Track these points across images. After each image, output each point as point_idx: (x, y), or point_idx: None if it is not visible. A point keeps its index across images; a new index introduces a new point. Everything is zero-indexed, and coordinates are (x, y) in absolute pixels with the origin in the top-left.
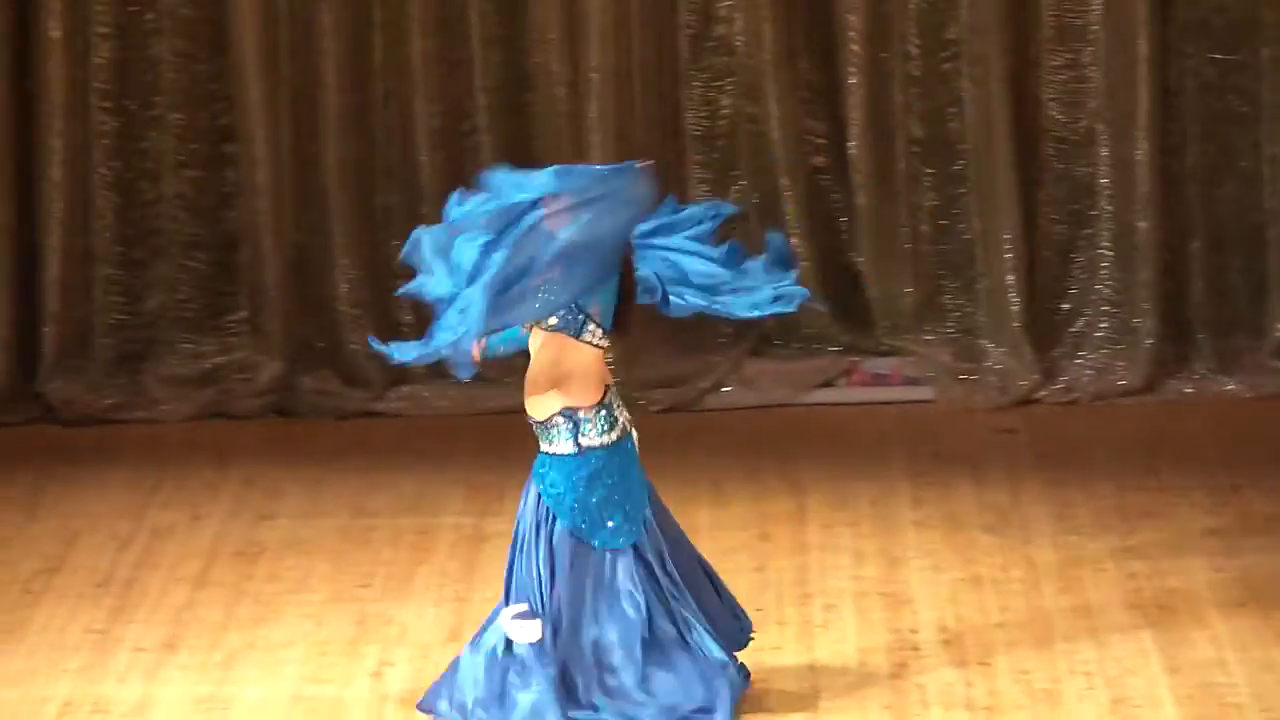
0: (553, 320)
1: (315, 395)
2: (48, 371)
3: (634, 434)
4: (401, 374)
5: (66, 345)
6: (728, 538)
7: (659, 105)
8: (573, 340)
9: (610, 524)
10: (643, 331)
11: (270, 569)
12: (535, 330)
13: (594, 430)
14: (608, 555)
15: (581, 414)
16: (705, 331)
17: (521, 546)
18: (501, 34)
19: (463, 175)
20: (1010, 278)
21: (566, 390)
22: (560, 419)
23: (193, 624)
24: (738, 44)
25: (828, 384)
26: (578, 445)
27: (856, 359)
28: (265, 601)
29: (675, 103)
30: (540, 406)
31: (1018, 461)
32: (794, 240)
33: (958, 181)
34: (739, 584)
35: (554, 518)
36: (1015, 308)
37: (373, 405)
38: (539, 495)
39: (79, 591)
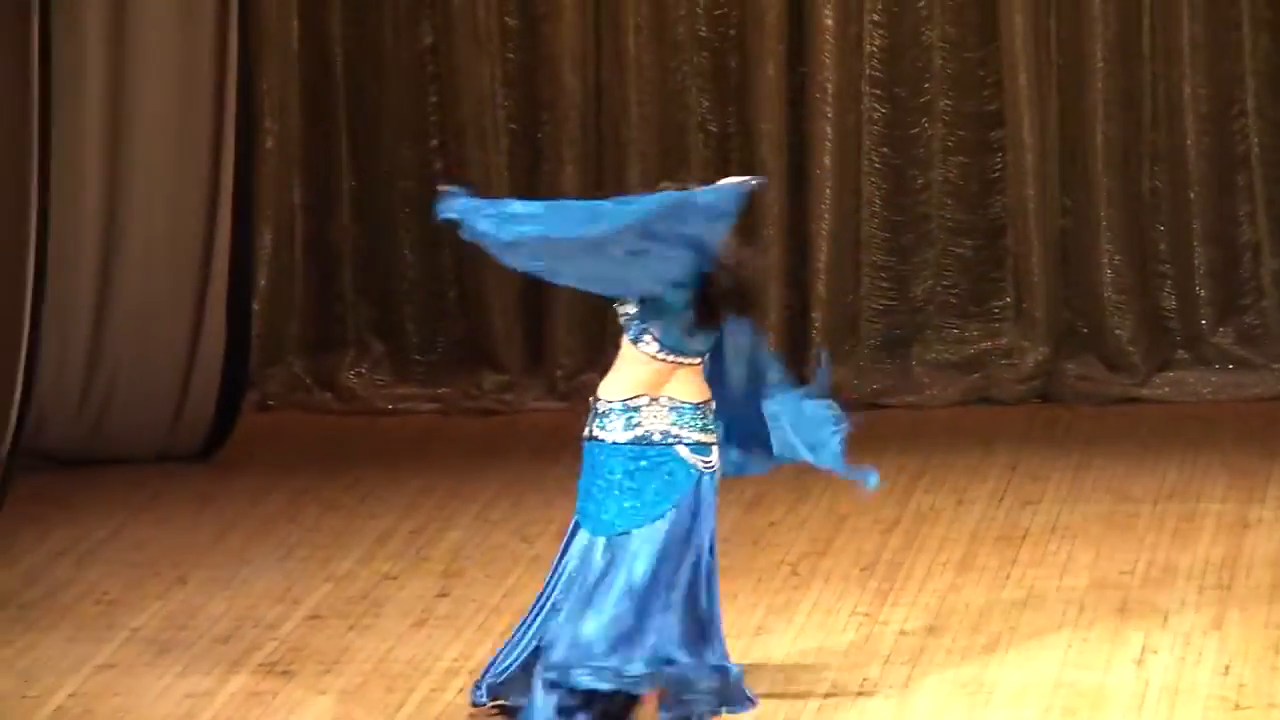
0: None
1: (1079, 381)
2: (817, 356)
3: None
4: (1165, 360)
5: (835, 330)
6: None
7: None
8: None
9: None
10: None
11: (1033, 554)
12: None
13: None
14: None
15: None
16: None
17: None
18: (1272, 17)
19: (1231, 158)
20: None
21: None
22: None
23: (957, 608)
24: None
25: None
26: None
27: None
28: (1028, 586)
29: None
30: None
31: None
32: None
33: None
34: None
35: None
36: None
37: (1136, 391)
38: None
39: (845, 574)
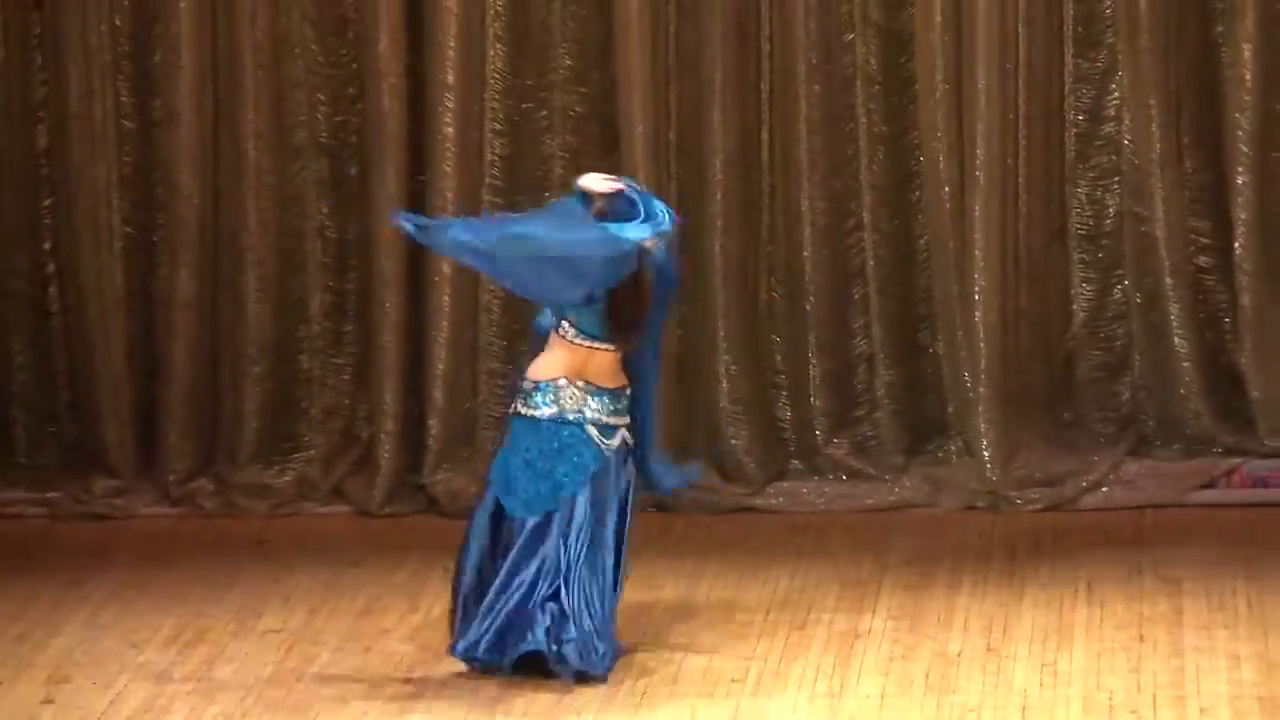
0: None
1: (693, 491)
2: (433, 464)
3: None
4: (780, 471)
5: (452, 438)
6: (1104, 638)
7: (1044, 204)
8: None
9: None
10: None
11: (647, 662)
12: None
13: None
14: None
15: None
16: (1085, 431)
17: None
18: (888, 132)
19: (846, 271)
20: None
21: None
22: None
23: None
24: (1126, 143)
25: (1208, 486)
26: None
27: (1239, 460)
28: (640, 693)
29: (1061, 200)
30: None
31: None
32: (1178, 339)
33: None
34: (1115, 684)
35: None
36: None
37: (750, 501)
38: None
39: (458, 682)
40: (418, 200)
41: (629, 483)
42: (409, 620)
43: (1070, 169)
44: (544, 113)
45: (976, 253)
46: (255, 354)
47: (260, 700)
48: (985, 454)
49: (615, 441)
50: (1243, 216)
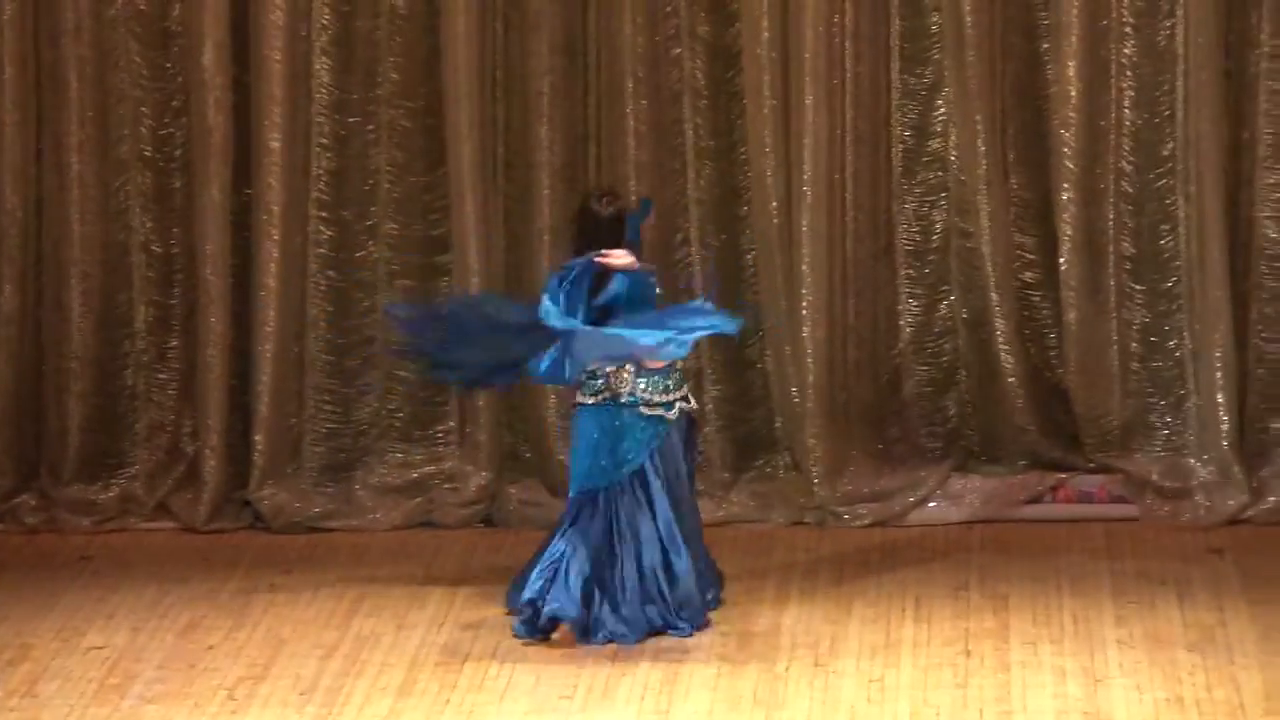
0: None
1: (522, 505)
2: (258, 479)
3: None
4: None
5: (278, 453)
6: (931, 654)
7: (871, 220)
8: None
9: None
10: (849, 446)
11: (473, 678)
12: None
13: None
14: None
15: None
16: (912, 447)
17: None
18: (714, 146)
19: (674, 287)
20: (1220, 396)
21: None
22: None
23: None
24: (952, 159)
25: (1034, 501)
26: None
27: (1063, 476)
28: (468, 711)
29: (888, 216)
30: None
31: (1224, 581)
32: (1004, 355)
33: (1169, 298)
34: (942, 700)
35: None
36: (1225, 426)
37: None
38: None
39: (283, 699)
40: (243, 214)
41: (690, 448)
42: (234, 637)
43: (897, 185)
44: (371, 127)
45: (804, 268)
46: (79, 369)
47: (84, 718)
48: (813, 470)
49: (673, 414)
50: (1068, 233)
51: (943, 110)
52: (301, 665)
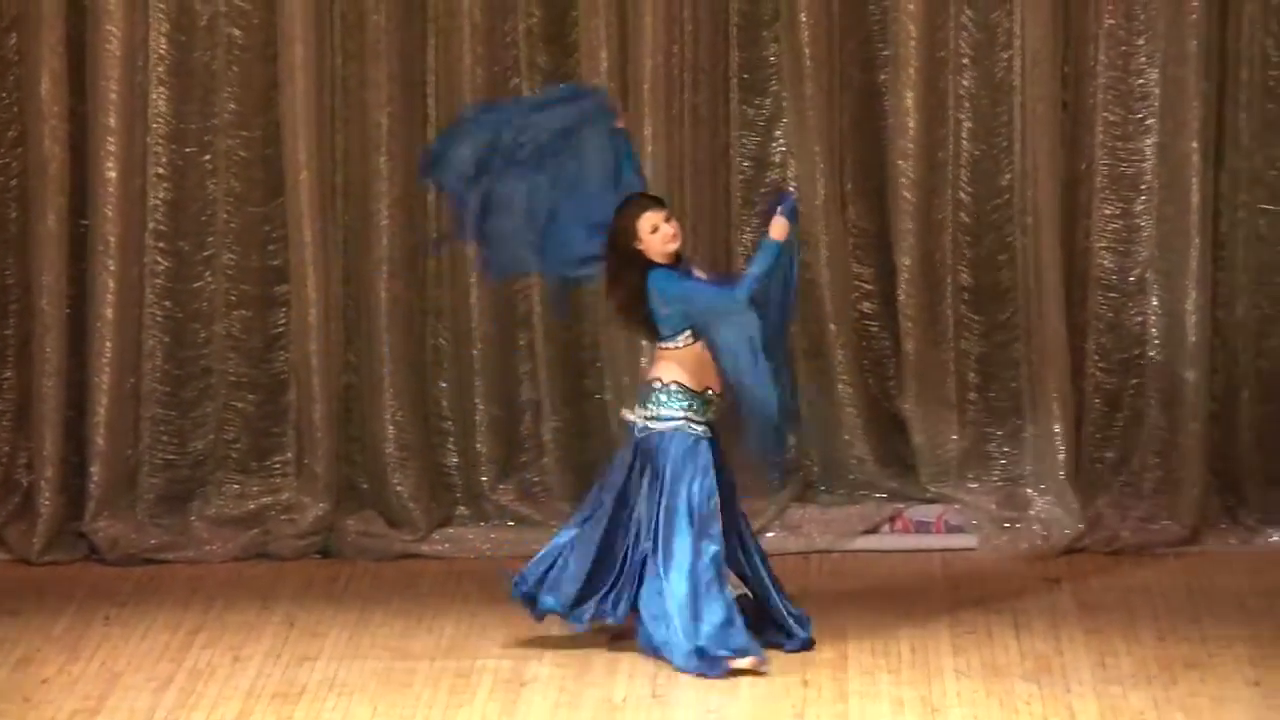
0: None
1: (359, 537)
2: (94, 511)
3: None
4: (446, 517)
5: (114, 484)
6: (768, 684)
7: (710, 250)
8: None
9: None
10: None
11: (310, 711)
12: None
13: None
14: None
15: None
16: (750, 476)
17: None
18: None
19: (514, 317)
20: (1057, 427)
21: None
22: None
23: None
24: (790, 189)
25: (872, 531)
26: None
27: (901, 506)
28: None
29: (727, 247)
30: None
31: (1060, 610)
32: (842, 386)
33: (1006, 330)
34: None
35: None
36: (1061, 456)
37: (416, 547)
38: None
39: None
40: (79, 245)
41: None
42: (69, 670)
43: (736, 215)
44: (208, 156)
45: None
46: None
47: None
48: None
49: (637, 430)
50: (905, 263)
51: (781, 141)
52: (136, 698)
